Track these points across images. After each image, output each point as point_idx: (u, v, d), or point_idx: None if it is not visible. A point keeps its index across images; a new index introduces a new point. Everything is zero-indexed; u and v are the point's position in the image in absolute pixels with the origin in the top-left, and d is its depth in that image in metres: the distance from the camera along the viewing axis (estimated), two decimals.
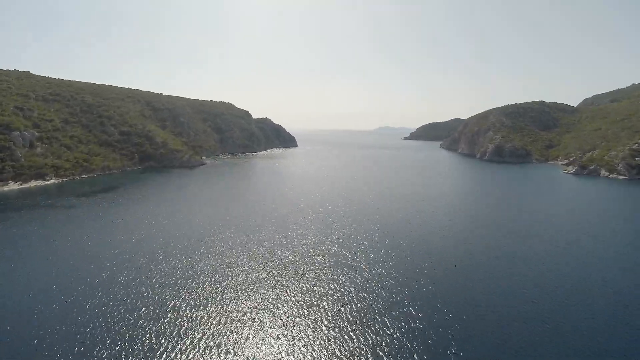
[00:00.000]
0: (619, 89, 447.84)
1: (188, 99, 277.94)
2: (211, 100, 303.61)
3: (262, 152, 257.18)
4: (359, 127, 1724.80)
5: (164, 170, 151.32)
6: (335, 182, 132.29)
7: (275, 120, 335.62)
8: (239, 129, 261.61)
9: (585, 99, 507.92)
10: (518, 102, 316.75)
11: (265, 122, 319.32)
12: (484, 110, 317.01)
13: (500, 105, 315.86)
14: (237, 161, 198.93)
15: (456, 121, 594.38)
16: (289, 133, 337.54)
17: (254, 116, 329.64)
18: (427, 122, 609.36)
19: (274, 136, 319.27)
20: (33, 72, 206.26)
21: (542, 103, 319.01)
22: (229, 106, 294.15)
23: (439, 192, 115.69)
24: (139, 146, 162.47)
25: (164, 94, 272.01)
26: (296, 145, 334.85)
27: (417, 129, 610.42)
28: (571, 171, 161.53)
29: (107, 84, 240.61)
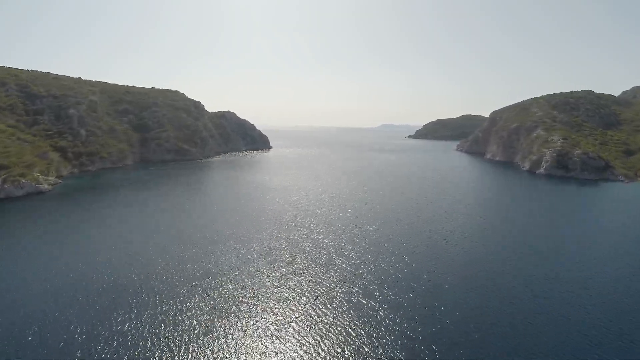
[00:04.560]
0: None
1: (103, 82, 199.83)
2: (152, 88, 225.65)
3: (208, 159, 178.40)
4: (362, 124, 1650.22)
5: None
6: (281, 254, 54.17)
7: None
8: (176, 126, 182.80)
9: (625, 91, 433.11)
10: (564, 91, 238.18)
11: (225, 117, 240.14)
12: (520, 101, 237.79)
13: (539, 95, 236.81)
14: (128, 182, 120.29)
15: (467, 118, 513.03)
16: (259, 131, 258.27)
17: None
18: (432, 119, 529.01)
19: (239, 136, 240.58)
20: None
21: (590, 93, 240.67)
22: (173, 95, 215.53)
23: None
24: None
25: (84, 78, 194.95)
26: (269, 147, 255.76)
27: (424, 126, 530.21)
28: None
29: None
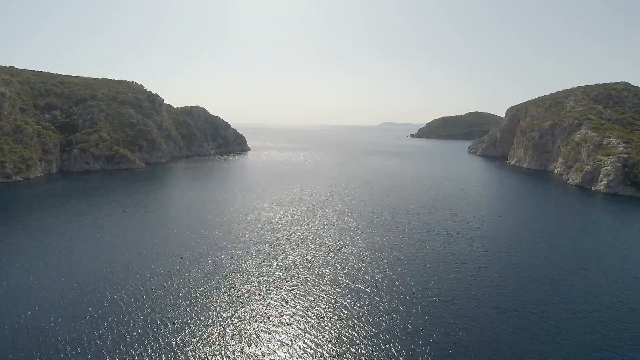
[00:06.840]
0: None
1: (35, 72, 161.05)
2: (103, 78, 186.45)
3: (156, 168, 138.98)
4: (362, 123, 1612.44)
5: None
6: None
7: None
8: (116, 125, 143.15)
9: None
10: (600, 83, 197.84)
11: (192, 114, 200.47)
12: (547, 94, 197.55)
13: (569, 87, 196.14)
14: None
15: (474, 115, 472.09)
16: (234, 131, 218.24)
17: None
18: (434, 117, 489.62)
19: (208, 136, 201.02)
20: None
21: (629, 85, 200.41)
22: (123, 87, 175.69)
23: None
24: None
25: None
26: (246, 150, 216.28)
27: (427, 124, 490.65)
28: None
29: None
